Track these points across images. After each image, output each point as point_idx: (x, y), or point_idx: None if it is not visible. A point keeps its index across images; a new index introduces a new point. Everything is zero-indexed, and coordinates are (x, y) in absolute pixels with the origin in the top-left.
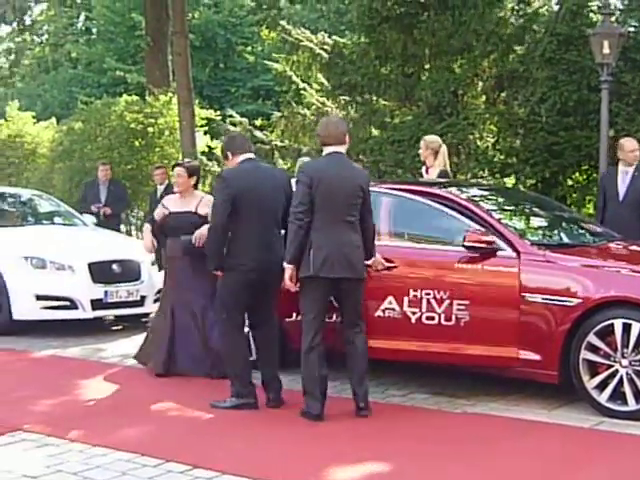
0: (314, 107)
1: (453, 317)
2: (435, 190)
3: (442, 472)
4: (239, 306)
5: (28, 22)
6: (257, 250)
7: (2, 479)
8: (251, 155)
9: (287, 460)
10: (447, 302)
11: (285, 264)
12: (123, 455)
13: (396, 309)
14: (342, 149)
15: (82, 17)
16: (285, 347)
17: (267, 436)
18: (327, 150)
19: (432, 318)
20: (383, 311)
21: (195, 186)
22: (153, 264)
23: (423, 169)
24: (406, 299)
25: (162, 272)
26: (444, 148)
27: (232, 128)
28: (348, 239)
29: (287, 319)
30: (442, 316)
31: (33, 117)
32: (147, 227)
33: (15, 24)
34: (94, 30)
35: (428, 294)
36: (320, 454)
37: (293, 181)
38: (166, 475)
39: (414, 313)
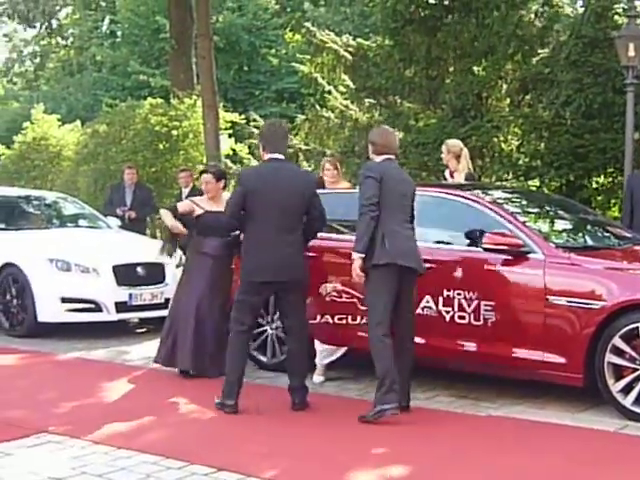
0: (338, 110)
1: (481, 318)
2: (463, 193)
3: (464, 475)
4: (244, 307)
5: (54, 25)
6: (264, 254)
7: None
8: (278, 155)
9: (310, 463)
10: (475, 303)
11: (356, 254)
12: (147, 457)
13: (432, 308)
14: (394, 157)
15: (107, 20)
16: (310, 350)
17: (291, 438)
18: (385, 157)
19: (463, 318)
20: (422, 309)
21: (224, 189)
22: (178, 266)
23: (446, 172)
24: (440, 299)
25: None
26: (466, 151)
27: (256, 131)
28: (412, 234)
29: (311, 321)
30: (471, 316)
31: (58, 120)
32: (166, 212)
33: (42, 27)
34: (119, 33)
35: (459, 294)
36: (342, 456)
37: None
38: (190, 477)
39: (447, 312)
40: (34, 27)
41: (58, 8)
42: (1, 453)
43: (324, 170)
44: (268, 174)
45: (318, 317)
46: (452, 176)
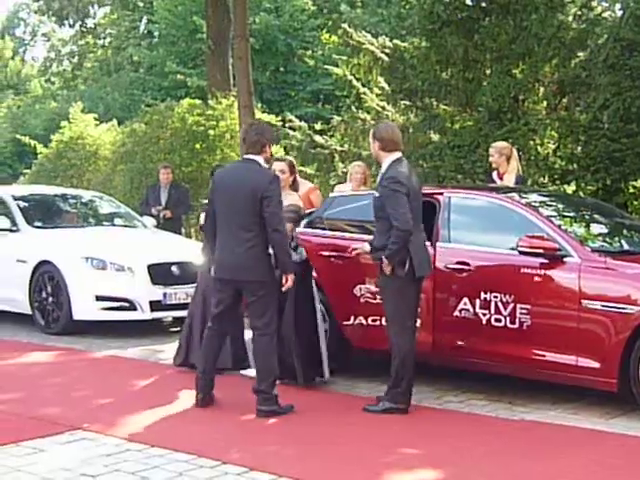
0: (374, 112)
1: (517, 321)
2: (500, 195)
3: (496, 479)
4: (214, 305)
5: (90, 25)
6: (224, 252)
7: (61, 477)
8: (251, 157)
9: (342, 464)
10: (511, 306)
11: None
12: (180, 456)
13: (470, 310)
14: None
15: (144, 21)
16: (344, 351)
17: (323, 439)
18: (395, 155)
19: (499, 321)
20: (460, 311)
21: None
22: None
23: (494, 175)
24: (477, 301)
25: None
26: (515, 153)
27: (291, 132)
28: (425, 238)
29: (345, 323)
30: (507, 319)
31: (95, 119)
32: None
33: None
34: (156, 34)
35: (496, 297)
36: (374, 458)
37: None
38: (222, 477)
39: (484, 315)
40: (69, 26)
41: (93, 8)
42: (35, 449)
43: (352, 175)
44: (230, 173)
45: (352, 319)
46: (501, 178)
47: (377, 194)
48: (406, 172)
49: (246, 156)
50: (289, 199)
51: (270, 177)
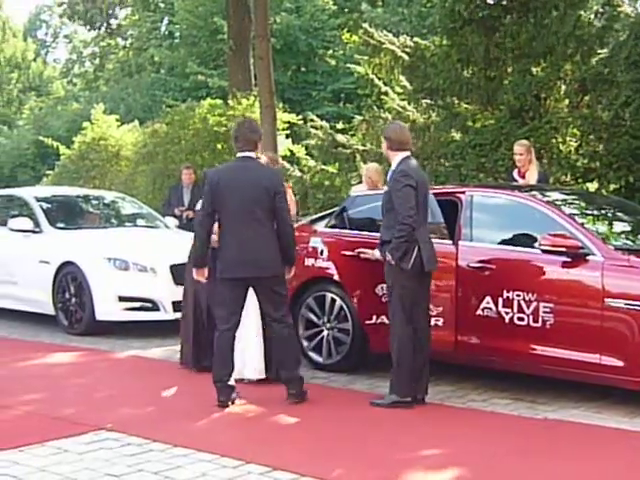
0: (395, 111)
1: (540, 319)
2: (521, 194)
3: (520, 478)
4: (226, 306)
5: (114, 26)
6: (235, 252)
7: (85, 477)
8: (249, 154)
9: (364, 463)
10: (534, 304)
11: (389, 257)
12: (203, 456)
13: (492, 309)
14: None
15: (165, 21)
16: (365, 350)
17: (347, 439)
18: (404, 154)
19: (522, 319)
20: (482, 310)
21: None
22: None
23: (515, 173)
24: (500, 300)
25: None
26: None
27: (313, 132)
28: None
29: (367, 322)
30: (530, 318)
31: (116, 120)
32: None
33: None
34: (177, 34)
35: (518, 296)
36: (396, 457)
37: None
38: (246, 476)
39: (507, 314)
40: (95, 29)
41: (117, 9)
42: (59, 450)
43: (365, 177)
44: (235, 171)
45: (374, 318)
46: (523, 176)
47: (386, 188)
48: (415, 168)
49: (243, 154)
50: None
51: (277, 173)
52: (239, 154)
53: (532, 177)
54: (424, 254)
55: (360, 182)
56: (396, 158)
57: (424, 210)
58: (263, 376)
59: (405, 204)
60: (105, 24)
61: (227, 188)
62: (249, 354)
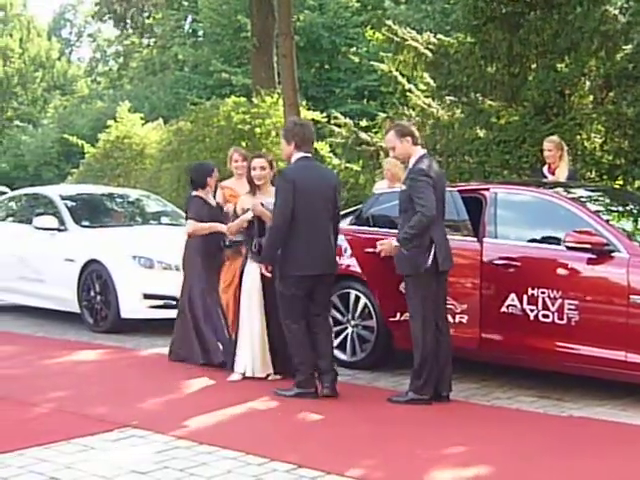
0: (419, 108)
1: (565, 317)
2: (546, 191)
3: (544, 476)
4: (297, 303)
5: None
6: (311, 250)
7: (111, 474)
8: (310, 154)
9: (390, 461)
10: (559, 302)
11: (395, 242)
12: (228, 453)
13: (517, 306)
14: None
15: (189, 19)
16: (390, 347)
17: (372, 436)
18: (422, 151)
19: (546, 317)
20: (507, 307)
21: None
22: None
23: (545, 169)
24: (525, 297)
25: None
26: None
27: (337, 129)
28: (446, 231)
29: (391, 319)
30: (555, 315)
31: (141, 118)
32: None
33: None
34: (200, 32)
35: (543, 293)
36: (422, 455)
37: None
38: (271, 474)
39: (532, 311)
40: (125, 28)
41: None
42: (85, 447)
43: (385, 172)
44: (310, 171)
45: (398, 315)
46: (553, 173)
47: (404, 187)
48: (433, 166)
49: (309, 154)
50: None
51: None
52: (301, 154)
53: (562, 174)
54: (439, 254)
55: (383, 178)
56: (415, 155)
57: (440, 210)
58: (270, 371)
59: (425, 198)
60: (137, 23)
61: (304, 187)
62: (256, 351)
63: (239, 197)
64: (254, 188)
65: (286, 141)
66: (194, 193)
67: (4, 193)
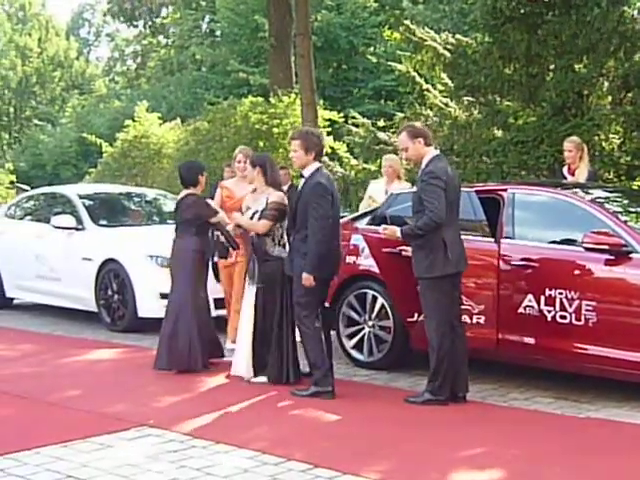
0: (437, 108)
1: (582, 318)
2: (564, 191)
3: (562, 477)
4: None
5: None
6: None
7: (128, 473)
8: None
9: (407, 462)
10: (576, 302)
11: (400, 234)
12: (245, 452)
13: (534, 307)
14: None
15: (206, 19)
16: (407, 347)
17: (388, 437)
18: (435, 152)
19: (564, 317)
20: (524, 308)
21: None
22: None
23: (564, 170)
24: (542, 298)
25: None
26: (585, 148)
27: (354, 129)
28: (460, 234)
29: (409, 319)
30: (572, 316)
31: (158, 118)
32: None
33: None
34: (218, 32)
35: (561, 294)
36: (442, 457)
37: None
38: (287, 473)
39: (549, 312)
40: (136, 26)
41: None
42: (102, 445)
43: (384, 169)
44: (448, 168)
45: (415, 315)
46: (572, 174)
47: (415, 189)
48: (445, 168)
49: (438, 152)
50: (274, 196)
51: None
52: (318, 164)
53: (581, 175)
54: (452, 255)
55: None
56: (427, 156)
57: (454, 211)
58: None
59: (435, 202)
60: (149, 22)
61: (334, 196)
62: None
63: (234, 198)
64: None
65: (305, 151)
66: (186, 192)
67: (26, 191)
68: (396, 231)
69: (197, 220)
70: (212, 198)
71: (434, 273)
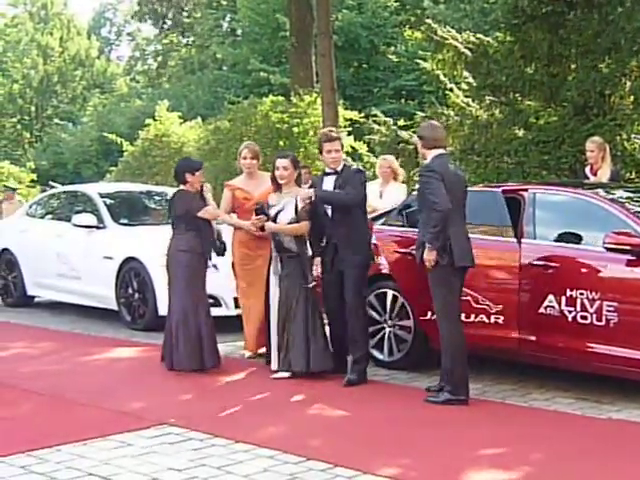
0: (457, 107)
1: (603, 318)
2: (585, 191)
3: (583, 478)
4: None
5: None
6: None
7: (148, 471)
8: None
9: (425, 461)
10: (598, 303)
11: (430, 247)
12: (265, 451)
13: (555, 307)
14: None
15: (227, 18)
16: (427, 347)
17: (408, 436)
18: (437, 152)
19: (585, 318)
20: (545, 308)
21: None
22: None
23: (587, 170)
24: (563, 298)
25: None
26: (608, 148)
27: (376, 127)
28: (467, 231)
29: (422, 318)
30: (594, 317)
31: (179, 117)
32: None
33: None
34: (239, 31)
35: (582, 294)
36: (461, 457)
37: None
38: (307, 473)
39: (570, 312)
40: (164, 25)
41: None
42: (122, 443)
43: (379, 170)
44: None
45: (429, 314)
46: (595, 174)
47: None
48: (444, 163)
49: (444, 151)
50: (304, 194)
51: None
52: (440, 151)
53: (604, 175)
54: (456, 249)
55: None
56: (429, 156)
57: (459, 207)
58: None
59: (436, 191)
60: (177, 22)
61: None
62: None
63: (252, 199)
64: (276, 186)
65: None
66: (177, 189)
67: (54, 187)
68: (430, 252)
69: (187, 215)
70: None
71: (440, 264)
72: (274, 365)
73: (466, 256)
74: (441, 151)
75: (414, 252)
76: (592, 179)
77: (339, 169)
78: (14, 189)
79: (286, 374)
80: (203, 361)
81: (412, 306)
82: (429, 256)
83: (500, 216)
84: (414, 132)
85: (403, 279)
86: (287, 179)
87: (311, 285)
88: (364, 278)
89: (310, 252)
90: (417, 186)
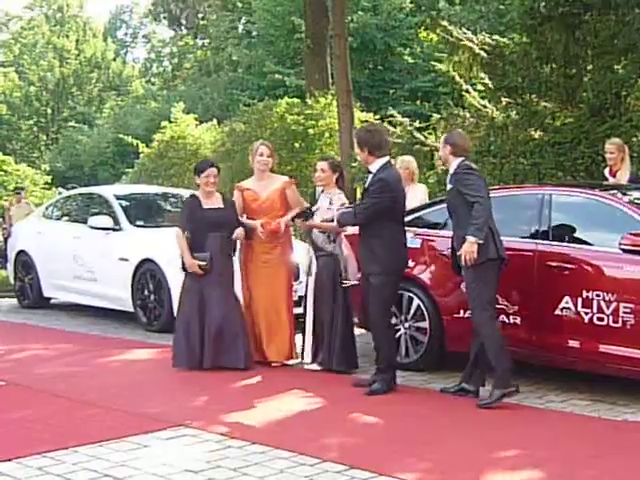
0: (474, 109)
1: (620, 320)
2: (602, 193)
3: None
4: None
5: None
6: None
7: (164, 472)
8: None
9: (442, 463)
10: (614, 305)
11: (473, 239)
12: (281, 453)
13: (572, 309)
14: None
15: (243, 21)
16: (443, 348)
17: (424, 438)
18: (460, 159)
19: (601, 319)
20: (561, 310)
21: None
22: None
23: (606, 172)
24: (580, 300)
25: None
26: (627, 150)
27: (392, 129)
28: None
29: (448, 317)
30: (610, 318)
31: (195, 119)
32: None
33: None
34: (254, 33)
35: (598, 296)
36: (477, 458)
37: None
38: (323, 474)
39: (586, 314)
40: (180, 26)
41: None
42: (138, 445)
43: (404, 170)
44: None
45: (461, 312)
46: (614, 175)
47: (449, 187)
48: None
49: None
50: (343, 197)
51: None
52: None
53: (623, 176)
54: (498, 241)
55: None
56: (454, 163)
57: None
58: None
59: (475, 185)
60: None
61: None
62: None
63: (259, 199)
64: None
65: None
66: (193, 192)
67: (75, 187)
68: (468, 241)
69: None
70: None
71: (481, 259)
72: (307, 358)
73: (502, 248)
74: (464, 159)
75: (444, 253)
76: (611, 181)
77: (373, 170)
78: (22, 188)
79: (317, 367)
80: (202, 360)
81: (440, 307)
82: (470, 248)
83: (517, 217)
84: (430, 134)
85: (430, 280)
86: (324, 181)
87: (348, 285)
88: (385, 286)
89: (346, 252)
90: (449, 187)
